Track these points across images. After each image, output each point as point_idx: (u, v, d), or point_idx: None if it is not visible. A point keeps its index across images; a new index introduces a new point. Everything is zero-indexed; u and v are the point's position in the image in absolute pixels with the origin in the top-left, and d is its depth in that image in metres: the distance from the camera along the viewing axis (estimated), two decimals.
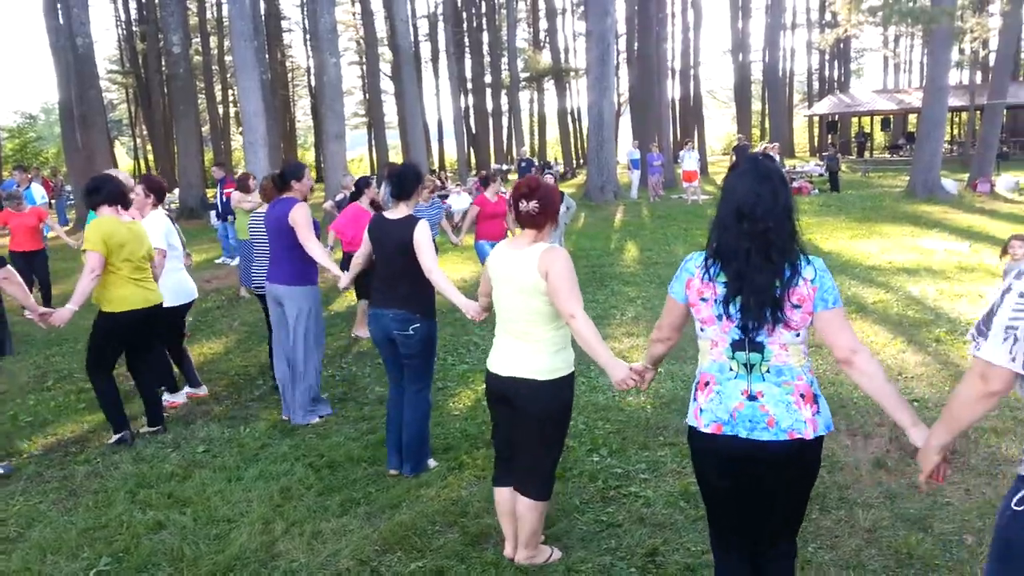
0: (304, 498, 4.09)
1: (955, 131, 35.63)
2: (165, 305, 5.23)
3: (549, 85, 42.36)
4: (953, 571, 3.21)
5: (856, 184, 23.52)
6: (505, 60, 37.87)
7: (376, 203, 7.60)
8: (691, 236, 14.13)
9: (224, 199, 12.59)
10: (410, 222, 4.07)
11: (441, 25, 38.04)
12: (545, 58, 40.48)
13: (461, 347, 7.15)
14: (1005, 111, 24.54)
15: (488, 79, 40.08)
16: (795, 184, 21.79)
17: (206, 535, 3.72)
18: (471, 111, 41.28)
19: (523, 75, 39.79)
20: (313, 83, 39.82)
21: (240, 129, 20.42)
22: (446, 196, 19.64)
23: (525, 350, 3.04)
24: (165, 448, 4.91)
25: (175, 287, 5.63)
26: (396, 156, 41.96)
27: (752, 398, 2.30)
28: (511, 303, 3.07)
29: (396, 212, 4.18)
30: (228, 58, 36.97)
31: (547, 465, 3.17)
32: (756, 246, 2.25)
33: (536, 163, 31.31)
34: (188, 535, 3.72)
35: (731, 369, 2.34)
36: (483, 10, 42.08)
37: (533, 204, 2.99)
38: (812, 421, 2.29)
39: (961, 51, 33.20)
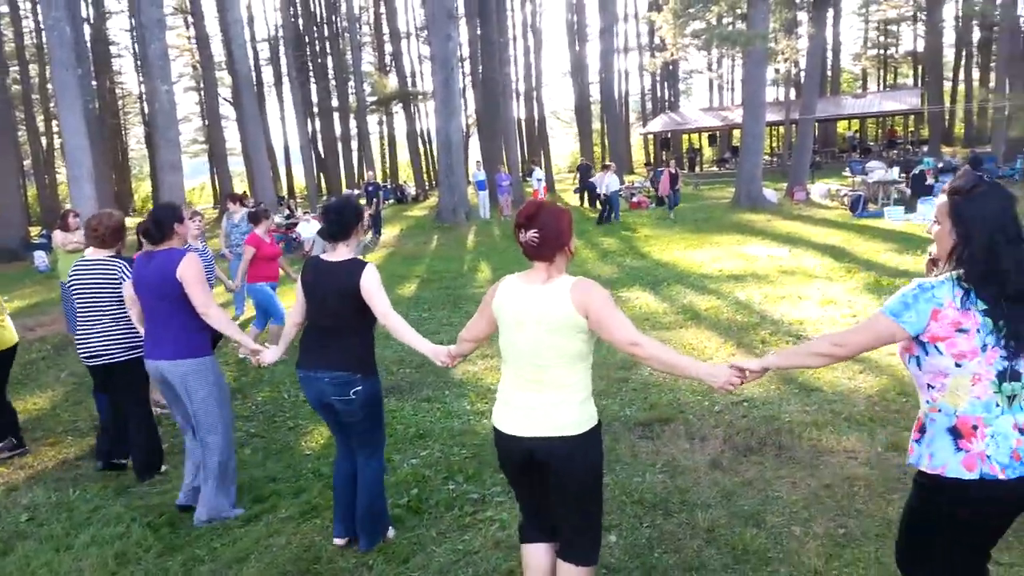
0: (142, 561, 3.85)
1: (774, 144, 38.69)
2: None
3: (398, 108, 42.29)
4: (784, 562, 3.46)
5: (688, 197, 24.99)
6: (351, 84, 37.45)
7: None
8: None
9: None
10: (355, 266, 3.52)
11: (283, 49, 37.12)
12: (392, 82, 40.37)
13: None
14: (815, 124, 26.93)
15: (335, 103, 39.50)
16: (634, 199, 22.89)
17: None
18: (318, 136, 40.49)
19: (370, 99, 39.48)
20: (146, 110, 37.70)
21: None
22: (295, 224, 19.17)
23: (551, 401, 2.65)
24: None
25: None
26: (241, 184, 40.44)
27: (1022, 432, 2.18)
28: (536, 346, 2.65)
29: (336, 254, 3.60)
30: (51, 87, 34.36)
31: (598, 524, 2.84)
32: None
33: (383, 186, 31.07)
34: None
35: (997, 404, 2.19)
36: (326, 34, 41.47)
37: (532, 234, 2.63)
38: None
39: (776, 71, 36.18)
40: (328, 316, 3.56)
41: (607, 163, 20.63)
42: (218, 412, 4.15)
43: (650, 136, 42.51)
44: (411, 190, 36.98)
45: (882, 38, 48.90)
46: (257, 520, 4.22)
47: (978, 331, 2.15)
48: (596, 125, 45.49)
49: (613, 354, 6.71)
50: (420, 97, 41.80)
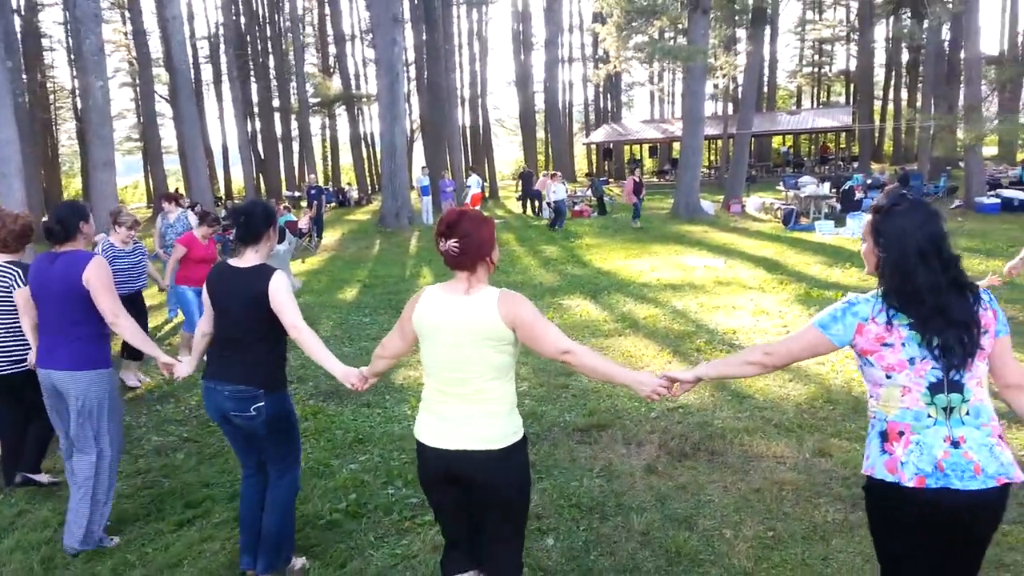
0: (70, 567, 3.74)
1: (712, 157, 39.58)
2: None
3: (341, 111, 41.86)
4: (715, 564, 3.56)
5: (629, 207, 25.38)
6: (294, 85, 36.94)
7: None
8: None
9: None
10: (263, 272, 3.28)
11: (223, 47, 36.38)
12: (335, 84, 39.97)
13: None
14: (752, 139, 27.67)
15: (276, 104, 38.87)
16: (576, 207, 23.15)
17: None
18: (259, 136, 39.77)
19: (313, 100, 39.02)
20: (79, 105, 36.49)
21: None
22: (228, 227, 18.80)
23: (477, 414, 2.59)
24: None
25: None
26: (177, 183, 39.43)
27: (955, 444, 2.18)
28: (456, 357, 2.59)
29: (244, 260, 3.34)
30: None
31: (520, 547, 2.77)
32: (948, 280, 2.20)
33: (325, 189, 30.69)
34: None
35: (929, 416, 2.21)
36: (268, 34, 40.82)
37: (453, 243, 2.55)
38: (1014, 464, 2.22)
39: (715, 86, 37.04)
40: (232, 326, 3.31)
41: (553, 172, 20.88)
42: (107, 427, 3.84)
43: (593, 146, 43.04)
44: (354, 194, 36.59)
45: (816, 56, 50.56)
46: (190, 525, 4.15)
47: (903, 345, 2.20)
48: (540, 134, 45.86)
49: (553, 360, 6.78)
50: (364, 100, 41.49)
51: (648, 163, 43.65)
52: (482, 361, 2.57)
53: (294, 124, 38.69)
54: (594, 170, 42.71)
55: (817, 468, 4.53)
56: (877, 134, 40.59)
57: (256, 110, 39.54)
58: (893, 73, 43.10)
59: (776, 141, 43.01)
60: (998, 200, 18.34)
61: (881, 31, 39.46)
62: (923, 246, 2.20)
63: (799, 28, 48.75)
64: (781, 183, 24.94)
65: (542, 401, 5.95)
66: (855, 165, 31.03)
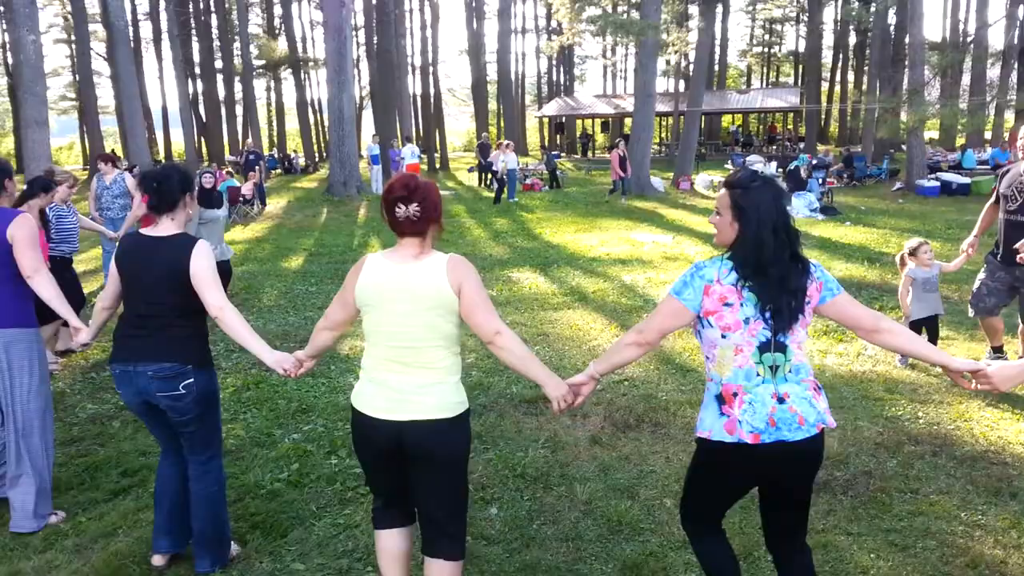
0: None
1: (663, 134, 39.89)
2: None
3: (287, 75, 40.85)
4: (655, 533, 3.61)
5: (580, 181, 25.48)
6: (237, 46, 35.87)
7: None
8: None
9: None
10: (183, 243, 3.06)
11: (163, 4, 35.05)
12: (281, 46, 38.94)
13: None
14: (702, 117, 27.93)
15: (219, 65, 37.71)
16: (527, 181, 23.12)
17: None
18: (200, 98, 38.59)
19: (257, 63, 37.98)
20: (10, 62, 34.84)
21: None
22: None
23: (423, 382, 2.54)
24: None
25: None
26: (114, 145, 38.10)
27: (781, 400, 2.38)
28: (402, 324, 2.54)
29: (160, 228, 3.11)
30: None
31: (464, 516, 2.74)
32: (791, 252, 2.40)
33: (269, 155, 30.03)
34: None
35: (758, 374, 2.39)
36: None
37: (414, 208, 2.50)
38: (827, 411, 2.47)
39: (667, 62, 37.20)
40: (148, 302, 3.06)
41: (504, 141, 20.76)
42: (38, 393, 3.64)
43: (545, 119, 42.93)
44: (300, 161, 35.88)
45: (767, 37, 51.23)
46: (126, 494, 4.06)
47: (742, 305, 2.37)
48: (493, 106, 45.51)
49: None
50: (311, 64, 40.56)
51: (600, 138, 43.77)
52: (432, 329, 2.54)
53: (238, 87, 37.53)
54: (546, 143, 42.65)
55: None
56: (824, 115, 41.40)
57: (198, 71, 38.31)
58: (841, 56, 43.94)
59: (726, 120, 43.59)
60: (937, 183, 18.92)
61: (830, 13, 40.09)
62: (776, 220, 2.38)
63: (750, 7, 49.24)
64: (730, 161, 25.31)
65: (489, 373, 5.95)
66: (801, 145, 31.62)
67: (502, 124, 40.72)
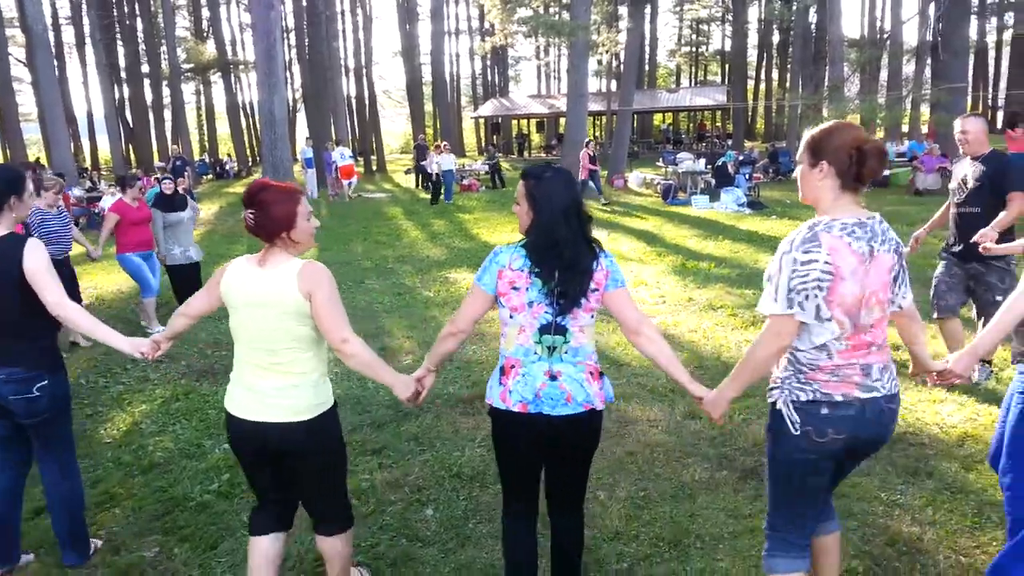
0: None
1: (596, 133, 40.33)
2: None
3: (217, 78, 39.88)
4: (590, 526, 3.61)
5: (517, 182, 25.51)
6: (164, 50, 34.84)
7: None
8: (370, 234, 14.32)
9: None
10: (15, 243, 2.99)
11: (85, 8, 33.83)
12: (210, 49, 38.00)
13: (115, 365, 6.51)
14: (634, 116, 28.34)
15: (146, 70, 36.57)
16: (464, 182, 23.10)
17: None
18: (127, 104, 37.38)
19: (185, 67, 36.98)
20: None
21: None
22: (98, 198, 17.70)
23: (280, 385, 2.61)
24: None
25: None
26: (38, 153, 36.62)
27: (553, 377, 2.56)
28: (261, 329, 2.60)
29: None
30: None
31: (343, 495, 2.88)
32: (580, 238, 2.54)
33: (200, 161, 29.28)
34: None
35: (536, 353, 2.57)
36: None
37: (248, 213, 2.59)
38: (599, 394, 2.63)
39: (599, 62, 37.66)
40: None
41: (440, 143, 20.68)
42: None
43: (481, 120, 42.94)
44: (232, 166, 35.11)
45: (694, 36, 52.23)
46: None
47: (527, 289, 2.54)
48: (429, 107, 45.31)
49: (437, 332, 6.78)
50: (242, 67, 39.72)
51: (535, 138, 43.99)
52: (286, 333, 2.60)
53: (166, 91, 36.47)
54: (484, 144, 42.66)
55: (687, 430, 4.74)
56: (750, 113, 42.47)
57: (124, 76, 37.11)
58: (765, 54, 45.14)
59: (657, 118, 44.26)
60: None
61: (754, 12, 41.14)
62: (568, 206, 2.55)
63: (678, 7, 50.18)
64: (661, 159, 25.73)
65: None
66: (729, 142, 32.36)
67: (438, 125, 40.57)
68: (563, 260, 2.51)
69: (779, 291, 2.29)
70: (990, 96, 38.32)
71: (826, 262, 2.24)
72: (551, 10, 30.79)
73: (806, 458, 2.39)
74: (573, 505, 2.84)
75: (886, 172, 19.47)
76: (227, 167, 34.39)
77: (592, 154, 18.76)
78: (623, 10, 29.35)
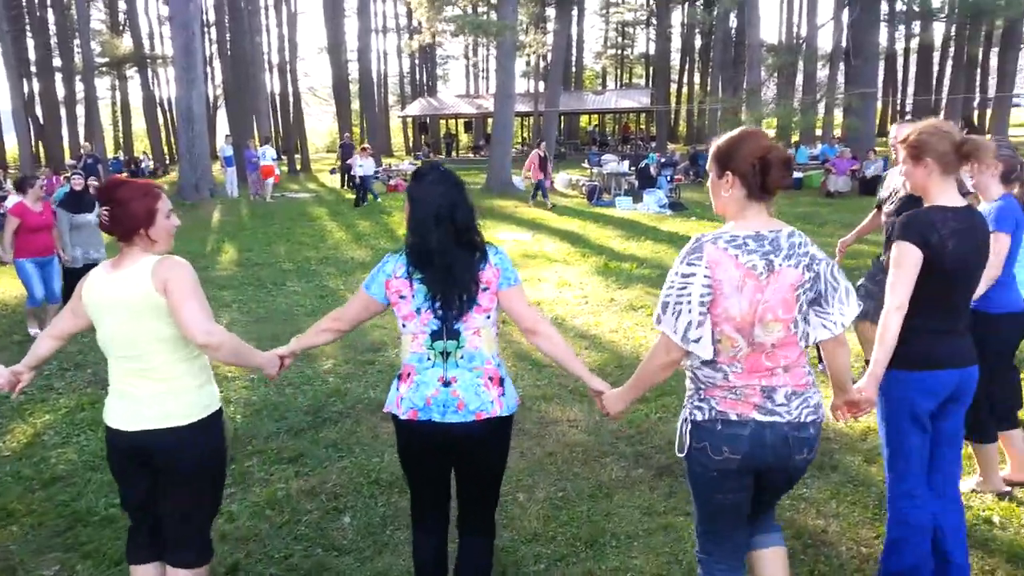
0: None
1: (524, 134, 40.55)
2: None
3: (133, 73, 38.47)
4: (508, 528, 3.67)
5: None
6: (78, 43, 33.37)
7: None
8: (293, 235, 14.04)
9: None
10: None
11: None
12: (126, 43, 36.65)
13: None
14: (561, 117, 28.60)
15: (58, 63, 34.97)
16: (391, 182, 22.91)
17: None
18: (37, 99, 35.66)
19: (100, 61, 35.57)
20: None
21: None
22: (4, 198, 16.83)
23: (154, 391, 2.48)
24: None
25: None
26: None
27: (447, 384, 2.48)
28: (124, 335, 2.47)
29: None
30: None
31: (206, 525, 2.70)
32: (458, 242, 2.46)
33: (109, 159, 28.19)
34: None
35: (429, 359, 2.51)
36: None
37: (103, 210, 2.50)
38: (498, 401, 2.53)
39: (527, 63, 37.86)
40: None
41: (364, 145, 20.41)
42: None
43: (409, 119, 42.64)
44: (148, 163, 33.91)
45: (620, 39, 53.07)
46: None
47: (413, 297, 2.49)
48: (356, 105, 44.74)
49: (362, 336, 6.71)
50: (160, 61, 38.45)
51: (463, 138, 43.92)
52: (152, 335, 2.46)
53: (79, 86, 34.95)
54: (411, 143, 42.37)
55: (605, 429, 4.81)
56: (673, 115, 43.37)
57: (34, 69, 35.37)
58: (688, 58, 46.17)
59: (584, 120, 44.76)
60: None
61: (678, 16, 42.06)
62: (440, 210, 2.46)
63: (604, 10, 50.93)
64: (587, 160, 26.04)
65: (347, 379, 5.86)
66: (653, 144, 33.02)
67: (365, 124, 40.09)
68: (435, 267, 2.45)
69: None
70: (899, 100, 40.10)
71: (705, 275, 2.18)
72: (479, 10, 30.81)
73: (707, 474, 2.34)
74: (477, 522, 2.72)
75: (799, 175, 20.20)
76: (143, 165, 33.19)
77: (543, 155, 18.25)
78: (550, 11, 29.62)
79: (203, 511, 2.66)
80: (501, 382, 2.58)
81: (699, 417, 2.32)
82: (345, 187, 24.10)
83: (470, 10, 30.54)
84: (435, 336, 2.50)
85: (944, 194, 2.75)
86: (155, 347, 2.47)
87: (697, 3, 33.89)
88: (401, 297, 2.51)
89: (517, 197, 19.83)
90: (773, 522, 2.63)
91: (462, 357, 2.52)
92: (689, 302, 2.20)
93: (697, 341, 2.22)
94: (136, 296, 2.43)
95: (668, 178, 18.30)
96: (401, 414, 2.53)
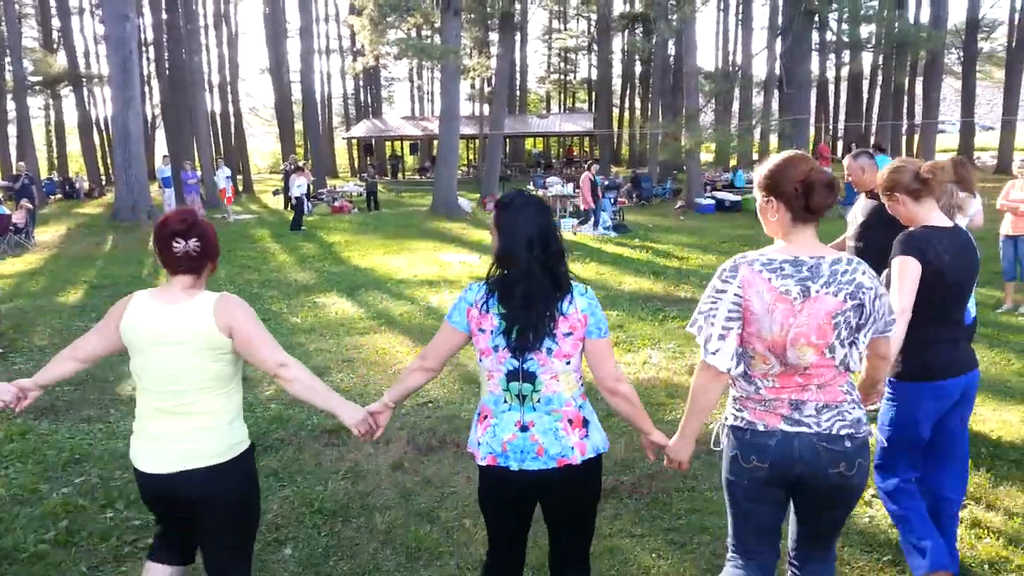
0: None
1: (470, 156, 40.69)
2: None
3: (67, 91, 37.34)
4: (454, 555, 3.63)
5: (391, 203, 25.40)
6: (9, 60, 32.28)
7: None
8: (234, 257, 13.77)
9: None
10: None
11: None
12: (60, 61, 35.60)
13: None
14: (506, 140, 28.80)
15: None
16: (336, 203, 22.71)
17: None
18: None
19: (33, 79, 34.45)
20: None
21: None
22: None
23: (191, 428, 2.43)
24: None
25: None
26: None
27: (524, 428, 2.38)
28: (169, 368, 2.42)
29: None
30: None
31: (249, 553, 2.67)
32: (543, 273, 2.34)
33: (47, 180, 27.29)
34: None
35: (505, 401, 2.41)
36: None
37: (194, 243, 2.42)
38: (580, 445, 2.41)
39: (472, 86, 38.09)
40: None
41: (299, 165, 20.16)
42: None
43: (354, 141, 42.38)
44: (84, 184, 32.89)
45: (563, 64, 53.83)
46: None
47: (492, 332, 2.37)
48: (300, 126, 44.27)
49: (304, 359, 6.58)
50: (95, 80, 37.41)
51: (409, 160, 43.85)
52: (201, 371, 2.43)
53: (10, 105, 33.77)
54: (356, 165, 42.08)
55: None
56: (616, 139, 44.08)
57: None
58: (629, 83, 47.06)
59: (528, 142, 45.18)
60: (713, 201, 20.79)
61: (619, 43, 42.88)
62: (531, 237, 2.36)
63: (546, 36, 51.62)
64: (532, 182, 26.23)
65: (289, 405, 5.75)
66: (597, 167, 33.43)
67: (308, 145, 39.68)
68: (515, 298, 2.33)
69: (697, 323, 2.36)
70: (831, 126, 41.55)
71: (736, 294, 2.25)
72: (423, 33, 30.93)
73: (738, 481, 2.40)
74: (571, 559, 2.62)
75: (738, 198, 20.72)
76: (77, 186, 32.19)
77: (593, 178, 16.49)
78: (493, 36, 29.88)
79: (246, 541, 2.64)
80: (584, 423, 2.45)
81: (733, 423, 2.41)
82: (287, 208, 23.80)
83: (414, 33, 30.66)
84: (511, 376, 2.39)
85: (928, 217, 3.02)
86: (200, 383, 2.44)
87: (636, 31, 34.62)
88: (480, 330, 2.40)
89: (463, 219, 19.87)
90: (828, 552, 2.53)
91: (539, 401, 2.40)
92: (716, 315, 2.28)
93: (715, 353, 2.29)
94: (197, 333, 2.40)
95: (612, 200, 18.54)
96: (480, 459, 2.45)
